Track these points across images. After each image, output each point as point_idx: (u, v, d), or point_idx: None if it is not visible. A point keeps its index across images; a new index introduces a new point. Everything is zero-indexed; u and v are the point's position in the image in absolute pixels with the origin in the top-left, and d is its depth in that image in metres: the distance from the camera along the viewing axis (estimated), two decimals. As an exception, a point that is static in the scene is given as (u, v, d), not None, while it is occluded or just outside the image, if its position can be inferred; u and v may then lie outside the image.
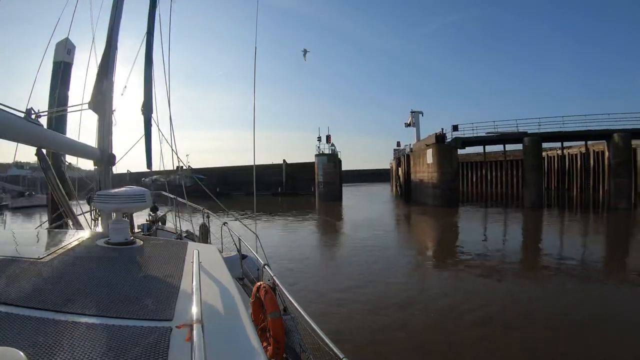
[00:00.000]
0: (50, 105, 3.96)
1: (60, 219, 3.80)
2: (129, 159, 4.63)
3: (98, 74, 3.69)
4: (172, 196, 5.72)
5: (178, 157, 4.74)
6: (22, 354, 0.80)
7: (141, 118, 4.34)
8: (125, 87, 4.48)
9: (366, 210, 23.68)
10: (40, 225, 4.34)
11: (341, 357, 1.71)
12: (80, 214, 3.98)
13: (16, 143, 3.04)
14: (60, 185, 3.56)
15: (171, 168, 5.23)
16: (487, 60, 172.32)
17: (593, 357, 4.92)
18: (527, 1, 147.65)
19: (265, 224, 18.49)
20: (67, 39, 4.41)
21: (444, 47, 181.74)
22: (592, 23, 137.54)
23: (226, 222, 4.59)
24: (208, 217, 5.21)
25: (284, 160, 45.86)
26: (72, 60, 4.47)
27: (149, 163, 4.44)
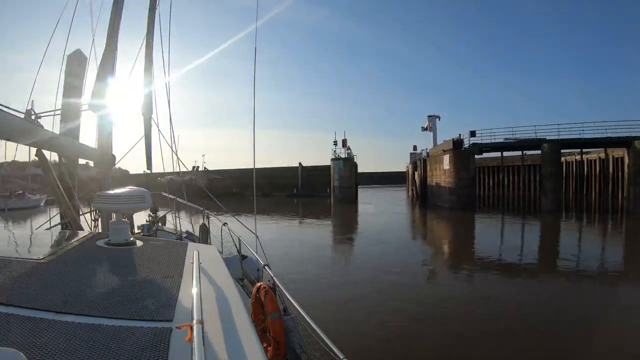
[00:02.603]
0: (64, 115, 3.99)
1: (61, 220, 3.82)
2: (137, 159, 4.66)
3: (98, 75, 3.71)
4: (171, 197, 5.73)
5: (178, 158, 4.75)
6: (22, 354, 0.79)
7: (141, 119, 4.35)
8: (126, 87, 4.50)
9: (384, 221, 21.81)
10: (41, 226, 4.38)
11: (341, 357, 1.70)
12: (81, 215, 4.00)
13: (16, 144, 3.05)
14: (61, 186, 3.58)
15: (171, 168, 5.26)
16: (505, 65, 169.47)
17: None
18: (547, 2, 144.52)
19: (265, 226, 18.46)
20: (79, 51, 4.42)
21: (462, 51, 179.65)
22: (612, 25, 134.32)
23: (226, 223, 4.58)
24: (208, 217, 5.21)
25: (300, 163, 46.13)
26: (84, 72, 4.49)
27: (149, 164, 4.45)
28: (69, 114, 4.00)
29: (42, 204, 28.35)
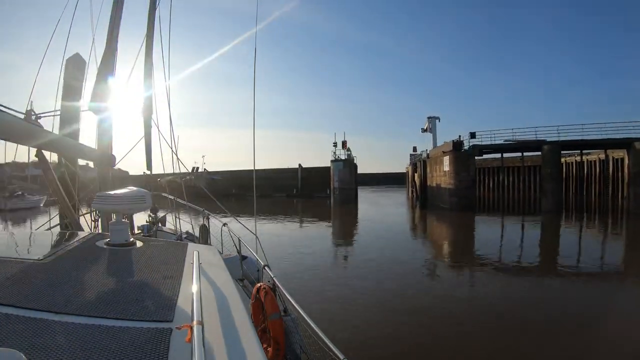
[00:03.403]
0: (63, 118, 3.97)
1: (60, 220, 3.82)
2: (134, 160, 4.66)
3: (98, 75, 3.71)
4: (171, 197, 5.73)
5: (178, 159, 4.75)
6: (22, 355, 0.79)
7: (141, 119, 4.35)
8: (126, 88, 4.50)
9: (385, 222, 21.58)
10: (41, 226, 4.38)
11: (341, 358, 1.70)
12: (81, 215, 4.00)
13: (16, 144, 3.05)
14: (61, 187, 3.58)
15: (171, 169, 5.26)
16: (504, 66, 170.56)
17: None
18: (546, 6, 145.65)
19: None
20: (77, 55, 4.38)
21: (461, 51, 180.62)
22: (609, 28, 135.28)
23: (226, 223, 4.58)
24: (208, 218, 5.21)
25: (300, 165, 46.51)
26: (83, 77, 4.44)
27: (149, 164, 4.45)
28: (68, 117, 4.00)
29: (41, 205, 28.33)
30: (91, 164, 3.95)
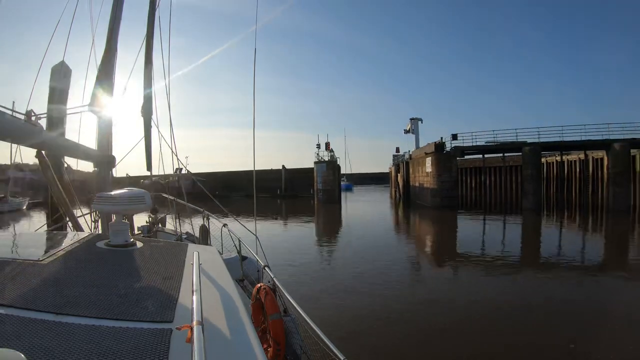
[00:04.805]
0: (49, 123, 3.95)
1: (60, 221, 3.79)
2: (129, 161, 4.63)
3: (98, 76, 3.69)
4: (171, 198, 5.71)
5: (178, 159, 4.74)
6: (22, 355, 0.79)
7: (141, 120, 4.34)
8: (125, 88, 4.49)
9: (369, 221, 21.80)
10: (41, 227, 4.33)
11: (342, 358, 1.70)
12: (80, 216, 3.97)
13: (16, 145, 3.02)
14: (60, 187, 3.56)
15: (171, 170, 5.24)
16: (486, 68, 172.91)
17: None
18: (525, 7, 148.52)
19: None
20: (62, 63, 4.38)
21: (443, 53, 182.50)
22: (591, 32, 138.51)
23: (226, 224, 4.57)
24: (208, 218, 5.19)
25: (283, 166, 46.63)
26: (68, 85, 4.47)
27: (149, 165, 4.44)
28: (53, 121, 3.98)
29: (24, 207, 27.75)
30: (88, 165, 3.92)
